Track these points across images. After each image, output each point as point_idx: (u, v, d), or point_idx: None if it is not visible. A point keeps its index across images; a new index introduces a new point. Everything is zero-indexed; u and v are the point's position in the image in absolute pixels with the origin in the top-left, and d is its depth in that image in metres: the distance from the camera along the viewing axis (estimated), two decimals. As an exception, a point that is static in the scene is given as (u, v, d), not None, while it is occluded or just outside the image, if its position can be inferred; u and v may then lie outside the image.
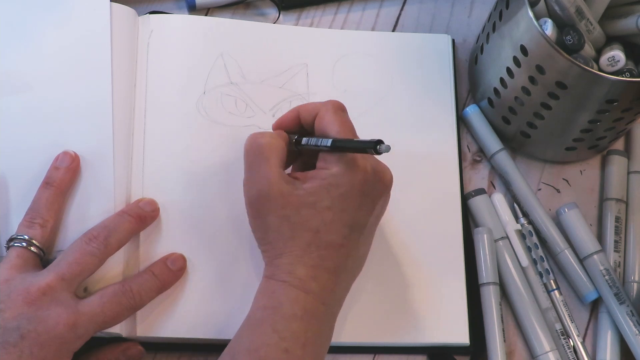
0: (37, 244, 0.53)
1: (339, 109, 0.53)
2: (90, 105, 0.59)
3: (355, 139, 0.51)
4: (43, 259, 0.54)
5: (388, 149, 0.48)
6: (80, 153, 0.57)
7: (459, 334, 0.58)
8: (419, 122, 0.65)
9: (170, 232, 0.58)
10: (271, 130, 0.56)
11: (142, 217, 0.56)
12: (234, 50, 0.64)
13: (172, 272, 0.56)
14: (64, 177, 0.55)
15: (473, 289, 0.60)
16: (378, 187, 0.53)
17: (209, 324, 0.56)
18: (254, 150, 0.53)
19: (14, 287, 0.50)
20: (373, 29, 0.70)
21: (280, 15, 0.69)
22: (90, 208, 0.56)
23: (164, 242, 0.57)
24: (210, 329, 0.56)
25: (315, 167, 0.52)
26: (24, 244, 0.53)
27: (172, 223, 0.58)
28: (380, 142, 0.47)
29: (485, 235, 0.60)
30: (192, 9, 0.68)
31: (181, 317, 0.56)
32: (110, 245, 0.53)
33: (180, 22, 0.64)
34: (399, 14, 0.71)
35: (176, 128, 0.61)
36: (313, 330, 0.49)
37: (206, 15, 0.69)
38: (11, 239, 0.53)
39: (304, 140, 0.53)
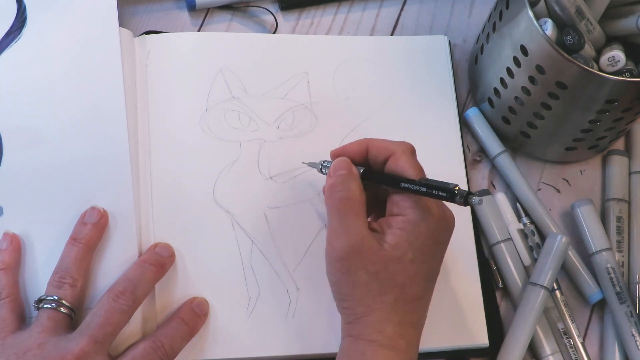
0: (67, 304, 0.51)
1: (414, 153, 0.52)
2: (108, 155, 0.57)
3: (441, 184, 0.48)
4: (74, 319, 0.52)
5: (480, 202, 0.46)
6: (102, 205, 0.55)
7: (478, 336, 0.58)
8: (422, 125, 0.65)
9: (184, 266, 0.57)
10: (333, 160, 0.54)
11: (162, 264, 0.55)
12: (232, 64, 0.64)
13: (199, 316, 0.55)
14: (91, 234, 0.54)
15: (485, 289, 0.60)
16: (447, 234, 0.51)
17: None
18: (345, 202, 0.50)
19: (47, 354, 0.49)
20: (373, 29, 0.70)
21: (280, 15, 0.69)
22: (115, 261, 0.55)
23: (180, 279, 0.56)
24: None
25: (386, 211, 0.51)
26: (54, 304, 0.51)
27: (185, 259, 0.57)
28: (470, 193, 0.46)
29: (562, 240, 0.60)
30: (192, 8, 0.68)
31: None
32: (138, 299, 0.52)
33: (177, 41, 0.64)
34: (399, 14, 0.71)
35: (182, 150, 0.60)
36: None
37: (206, 15, 0.69)
38: (40, 300, 0.52)
39: (403, 184, 0.50)
